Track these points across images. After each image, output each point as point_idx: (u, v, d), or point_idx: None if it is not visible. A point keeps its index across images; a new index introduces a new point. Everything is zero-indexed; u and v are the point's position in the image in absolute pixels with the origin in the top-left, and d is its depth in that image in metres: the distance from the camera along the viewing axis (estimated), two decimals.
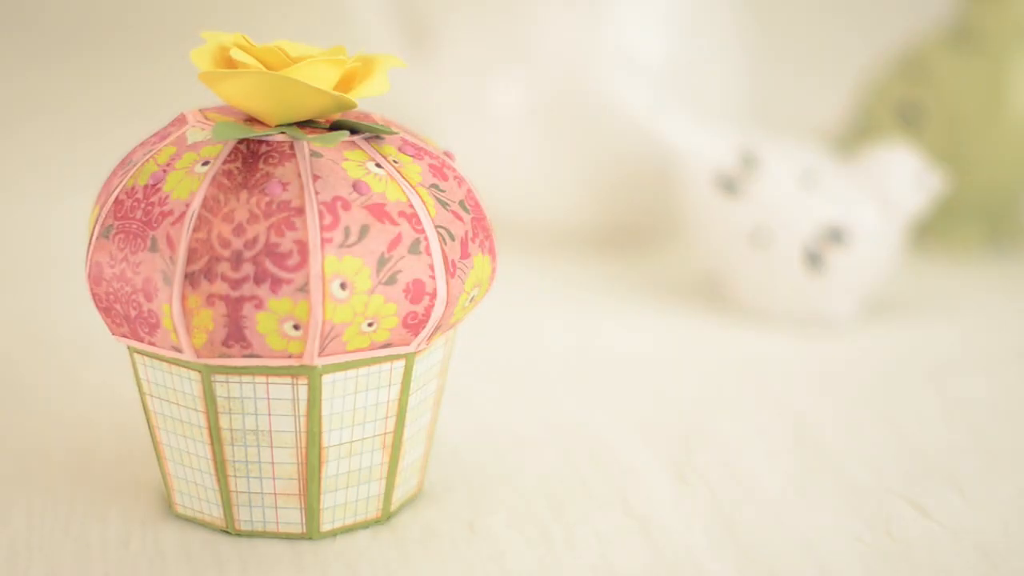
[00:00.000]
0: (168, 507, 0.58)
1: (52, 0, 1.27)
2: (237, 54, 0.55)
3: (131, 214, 0.54)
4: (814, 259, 0.75)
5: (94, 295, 0.54)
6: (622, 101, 0.83)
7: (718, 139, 0.79)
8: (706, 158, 0.78)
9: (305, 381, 0.54)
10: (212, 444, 0.55)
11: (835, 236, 0.75)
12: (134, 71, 1.16)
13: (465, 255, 0.55)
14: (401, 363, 0.55)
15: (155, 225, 0.53)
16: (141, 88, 1.12)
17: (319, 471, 0.55)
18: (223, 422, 0.54)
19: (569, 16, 0.84)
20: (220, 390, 0.54)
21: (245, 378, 0.54)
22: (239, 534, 0.56)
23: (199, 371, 0.54)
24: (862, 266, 0.75)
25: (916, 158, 0.76)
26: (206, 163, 0.54)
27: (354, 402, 0.55)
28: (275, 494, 0.55)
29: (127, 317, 0.54)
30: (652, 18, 0.85)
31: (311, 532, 0.56)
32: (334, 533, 0.56)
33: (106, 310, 0.54)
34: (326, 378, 0.54)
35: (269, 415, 0.54)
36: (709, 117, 0.84)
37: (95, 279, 0.54)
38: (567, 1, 0.84)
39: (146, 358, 0.55)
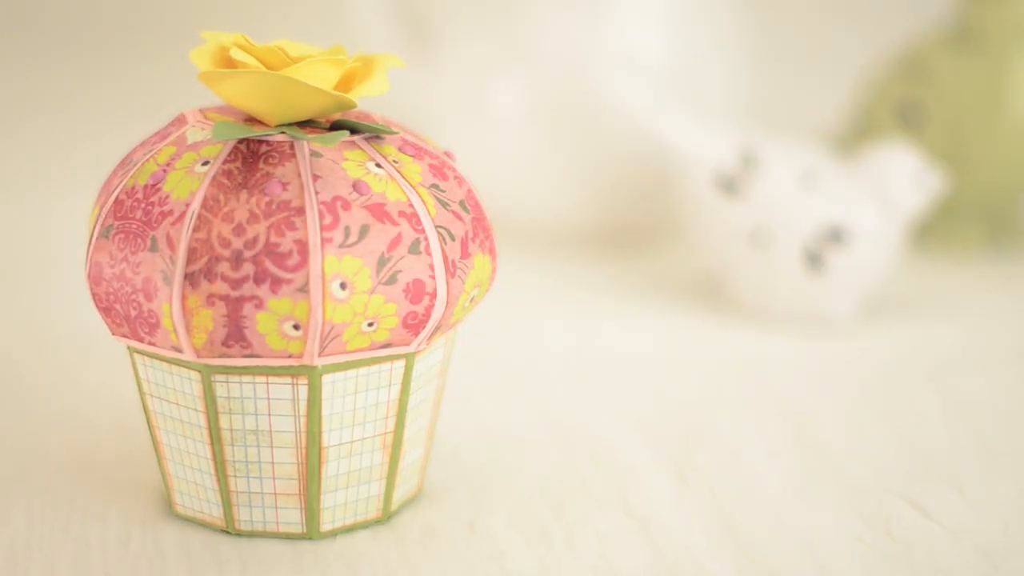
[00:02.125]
0: (168, 507, 0.58)
1: (52, 0, 1.27)
2: (237, 54, 0.55)
3: (131, 214, 0.54)
4: (814, 259, 0.75)
5: (94, 295, 0.55)
6: (622, 101, 0.83)
7: (718, 139, 0.79)
8: (706, 158, 0.78)
9: (305, 381, 0.54)
10: (212, 444, 0.55)
11: (835, 236, 0.75)
12: (134, 71, 1.16)
13: (465, 255, 0.55)
14: (401, 363, 0.55)
15: (155, 225, 0.53)
16: (141, 88, 1.12)
17: (319, 471, 0.55)
18: (223, 422, 0.54)
19: (569, 16, 0.84)
20: (220, 390, 0.54)
21: (245, 378, 0.54)
22: (239, 534, 0.56)
23: (199, 371, 0.54)
24: (862, 266, 0.76)
25: (916, 158, 0.77)
26: (206, 163, 0.54)
27: (354, 402, 0.55)
28: (275, 494, 0.55)
29: (127, 317, 0.54)
30: (652, 18, 0.85)
31: (311, 532, 0.56)
32: (334, 533, 0.56)
33: (106, 310, 0.54)
34: (326, 378, 0.54)
35: (269, 415, 0.54)
36: (709, 117, 0.84)
37: (95, 279, 0.54)
38: (567, 1, 0.85)
39: (146, 358, 0.55)
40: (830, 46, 1.20)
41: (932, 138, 0.86)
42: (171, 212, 0.53)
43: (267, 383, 0.54)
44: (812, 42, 1.21)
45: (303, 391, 0.54)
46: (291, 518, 0.56)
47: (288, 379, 0.54)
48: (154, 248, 0.53)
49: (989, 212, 0.87)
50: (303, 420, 0.54)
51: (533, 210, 0.86)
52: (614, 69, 0.84)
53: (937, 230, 0.87)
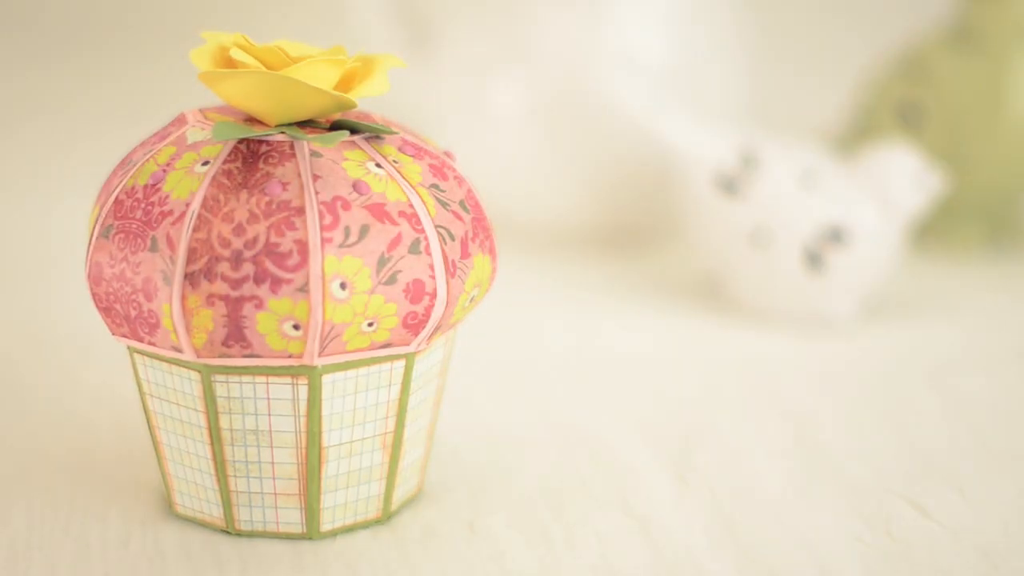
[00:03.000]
0: (168, 507, 0.58)
1: (52, 0, 1.27)
2: (237, 54, 0.55)
3: (131, 214, 0.54)
4: (814, 259, 0.76)
5: (94, 295, 0.55)
6: (622, 101, 0.84)
7: (718, 139, 0.79)
8: (706, 158, 0.79)
9: (305, 381, 0.54)
10: (212, 444, 0.55)
11: (835, 236, 0.75)
12: (134, 71, 1.17)
13: (465, 255, 0.55)
14: (401, 363, 0.55)
15: (155, 225, 0.53)
16: (141, 88, 1.12)
17: (319, 471, 0.55)
18: (223, 422, 0.54)
19: (569, 16, 0.85)
20: (220, 390, 0.54)
21: (245, 378, 0.54)
22: (239, 534, 0.56)
23: (199, 371, 0.54)
24: (862, 266, 0.76)
25: (916, 158, 0.77)
26: (206, 163, 0.54)
27: (354, 402, 0.55)
28: (275, 494, 0.56)
29: (127, 317, 0.54)
30: (652, 18, 0.86)
31: (311, 532, 0.56)
32: (334, 533, 0.57)
33: (106, 310, 0.54)
34: (326, 378, 0.54)
35: (269, 415, 0.54)
36: (709, 117, 0.84)
37: (95, 279, 0.54)
38: (567, 1, 0.85)
39: (146, 358, 0.55)
40: (830, 46, 1.20)
41: (932, 138, 0.86)
42: (171, 212, 0.53)
43: (267, 383, 0.54)
44: (812, 42, 1.22)
45: (303, 391, 0.54)
46: (291, 518, 0.56)
47: (288, 379, 0.54)
48: (154, 248, 0.53)
49: (989, 212, 0.87)
50: (303, 420, 0.54)
51: (533, 210, 0.87)
52: (614, 69, 0.84)
53: (937, 230, 0.87)
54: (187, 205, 0.53)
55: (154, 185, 0.54)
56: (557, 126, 0.84)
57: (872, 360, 0.73)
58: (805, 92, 1.11)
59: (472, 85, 0.87)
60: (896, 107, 0.87)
